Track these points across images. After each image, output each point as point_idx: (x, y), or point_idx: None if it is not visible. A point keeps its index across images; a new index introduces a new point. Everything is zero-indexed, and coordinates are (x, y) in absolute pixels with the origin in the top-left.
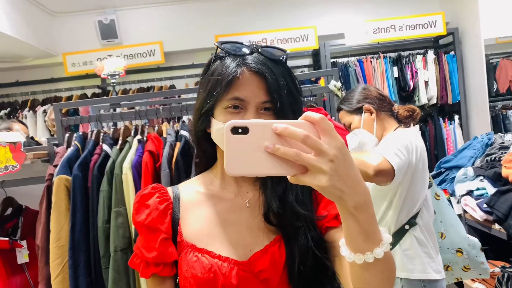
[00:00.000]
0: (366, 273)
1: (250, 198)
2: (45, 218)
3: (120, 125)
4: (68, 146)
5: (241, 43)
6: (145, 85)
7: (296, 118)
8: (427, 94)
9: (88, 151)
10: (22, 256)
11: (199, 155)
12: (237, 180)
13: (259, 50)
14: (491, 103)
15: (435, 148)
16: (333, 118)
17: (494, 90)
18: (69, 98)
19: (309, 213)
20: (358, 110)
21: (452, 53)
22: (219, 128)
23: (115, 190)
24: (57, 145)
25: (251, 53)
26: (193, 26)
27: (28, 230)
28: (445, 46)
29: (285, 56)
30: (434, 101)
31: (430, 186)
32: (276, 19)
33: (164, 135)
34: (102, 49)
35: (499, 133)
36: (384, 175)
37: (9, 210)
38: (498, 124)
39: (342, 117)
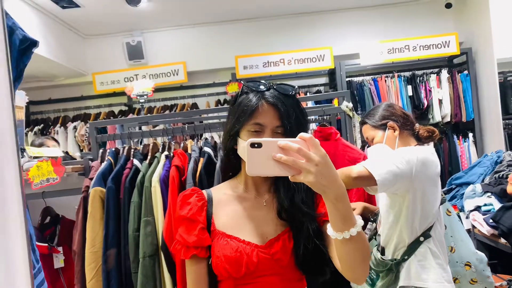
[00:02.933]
0: (345, 247)
1: (266, 199)
2: (81, 226)
3: (145, 141)
4: (102, 160)
5: (261, 82)
6: (169, 103)
7: None
8: (441, 112)
9: (120, 165)
10: (59, 261)
11: (227, 165)
12: (257, 184)
13: (274, 87)
14: (507, 121)
15: (450, 165)
16: (347, 135)
17: None
18: (98, 115)
19: (311, 211)
20: (382, 126)
21: (465, 72)
22: (244, 146)
23: (145, 201)
24: (92, 160)
25: (268, 89)
26: (214, 47)
27: (64, 238)
28: (458, 65)
29: (294, 91)
30: (448, 119)
31: (443, 202)
32: (294, 40)
33: (189, 151)
34: (129, 69)
35: (509, 151)
36: (364, 179)
37: (48, 219)
38: None
39: (366, 130)
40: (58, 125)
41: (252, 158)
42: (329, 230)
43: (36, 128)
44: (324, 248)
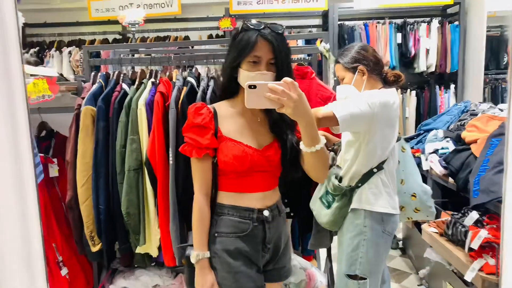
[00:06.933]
0: (312, 158)
1: (260, 116)
2: (74, 139)
3: (137, 69)
4: (93, 83)
5: (257, 21)
6: (162, 34)
7: (288, 69)
8: (426, 61)
9: (110, 88)
10: (54, 171)
11: (226, 89)
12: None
13: (268, 26)
14: (496, 76)
15: (428, 114)
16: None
17: (504, 63)
18: (92, 41)
19: (293, 129)
20: (353, 69)
21: (456, 23)
22: (245, 75)
23: (131, 121)
24: (84, 82)
25: (264, 28)
26: None
27: (58, 151)
28: (450, 16)
29: (283, 30)
30: (432, 69)
31: (398, 140)
32: None
33: (174, 80)
34: None
35: (475, 102)
36: (329, 120)
37: (43, 133)
38: (496, 95)
39: (338, 69)
40: (53, 49)
41: (250, 95)
42: (302, 146)
43: (32, 51)
44: (299, 156)
